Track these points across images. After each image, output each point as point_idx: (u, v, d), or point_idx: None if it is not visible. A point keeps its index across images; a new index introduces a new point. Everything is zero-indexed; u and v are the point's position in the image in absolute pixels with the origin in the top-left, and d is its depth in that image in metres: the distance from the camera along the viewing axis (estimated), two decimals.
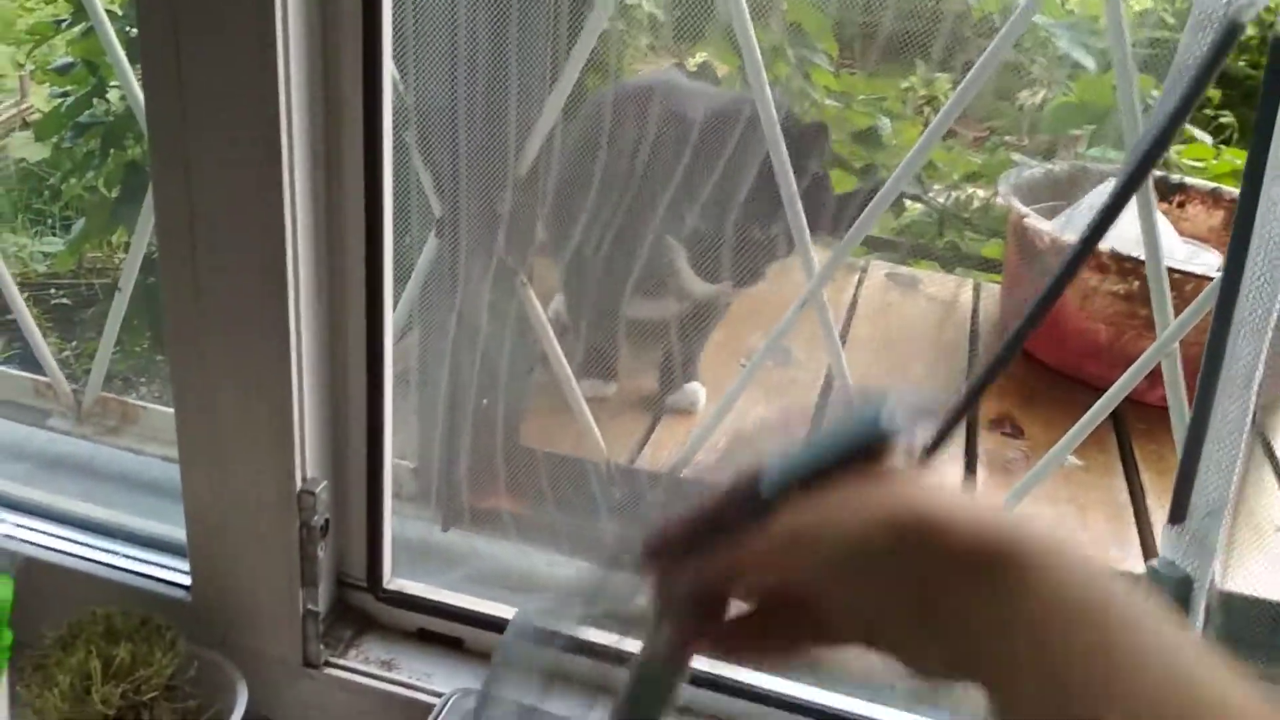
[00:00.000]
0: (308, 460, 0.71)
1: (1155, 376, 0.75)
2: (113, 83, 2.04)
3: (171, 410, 1.01)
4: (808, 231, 0.82)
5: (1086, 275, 1.34)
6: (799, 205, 0.81)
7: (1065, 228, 1.36)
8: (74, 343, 2.09)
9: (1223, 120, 1.95)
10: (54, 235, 2.49)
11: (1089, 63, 1.61)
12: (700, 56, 1.71)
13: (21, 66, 2.77)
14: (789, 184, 0.81)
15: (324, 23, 0.64)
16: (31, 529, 0.83)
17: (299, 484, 0.70)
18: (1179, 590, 0.47)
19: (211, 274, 0.67)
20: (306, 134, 0.65)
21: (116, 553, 0.82)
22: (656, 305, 1.28)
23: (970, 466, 1.22)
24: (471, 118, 0.83)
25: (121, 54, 0.92)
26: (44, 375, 1.04)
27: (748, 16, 0.75)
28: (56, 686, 0.67)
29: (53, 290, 2.32)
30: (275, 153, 0.63)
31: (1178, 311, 0.74)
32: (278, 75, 0.61)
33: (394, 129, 0.69)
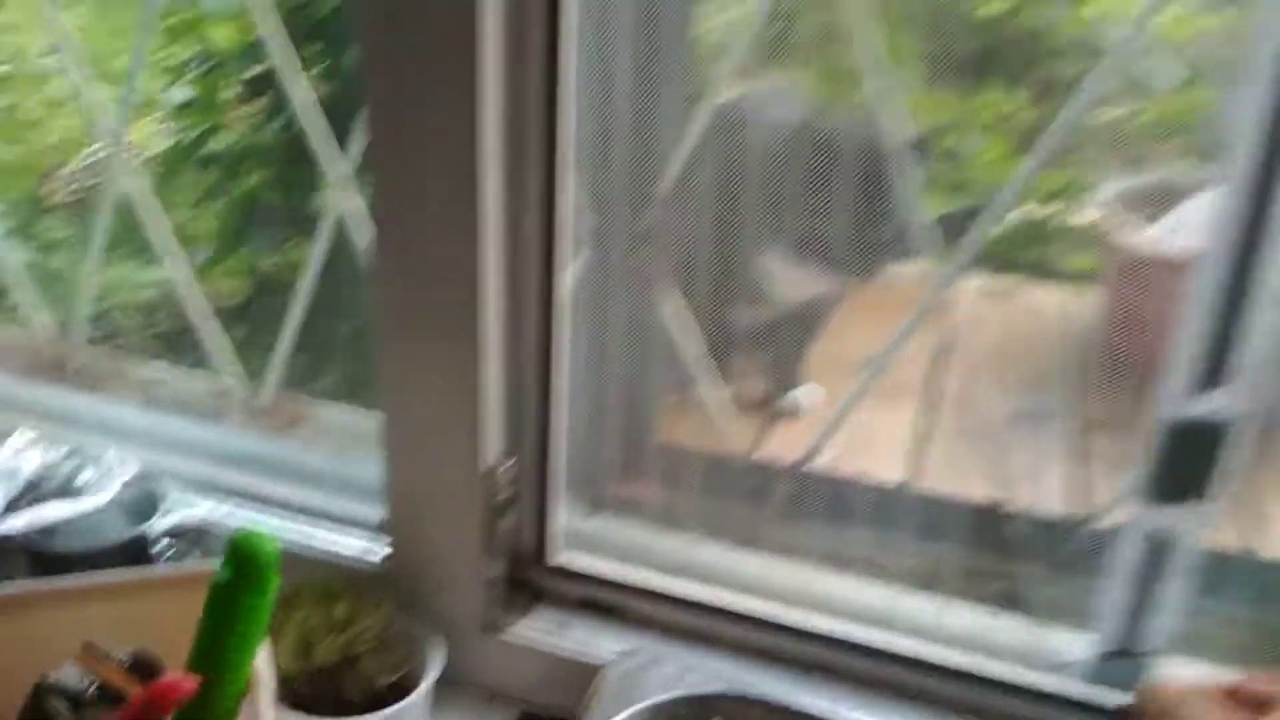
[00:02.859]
0: (492, 446, 0.81)
1: None
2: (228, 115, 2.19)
3: (338, 406, 1.13)
4: (926, 241, 0.90)
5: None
6: (919, 215, 0.89)
7: (1160, 239, 1.41)
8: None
9: None
10: (156, 266, 2.65)
11: (1167, 81, 1.66)
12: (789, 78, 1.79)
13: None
14: (912, 198, 0.89)
15: (514, 60, 0.74)
16: (240, 513, 0.94)
17: (486, 465, 0.80)
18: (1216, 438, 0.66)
19: (418, 291, 0.77)
20: (498, 167, 0.75)
21: (315, 534, 0.92)
22: (756, 310, 1.37)
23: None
24: (621, 142, 0.92)
25: (305, 85, 1.03)
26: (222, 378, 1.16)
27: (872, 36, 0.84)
28: (285, 639, 0.77)
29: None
30: (471, 186, 0.73)
31: None
32: (476, 115, 0.72)
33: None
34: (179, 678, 0.56)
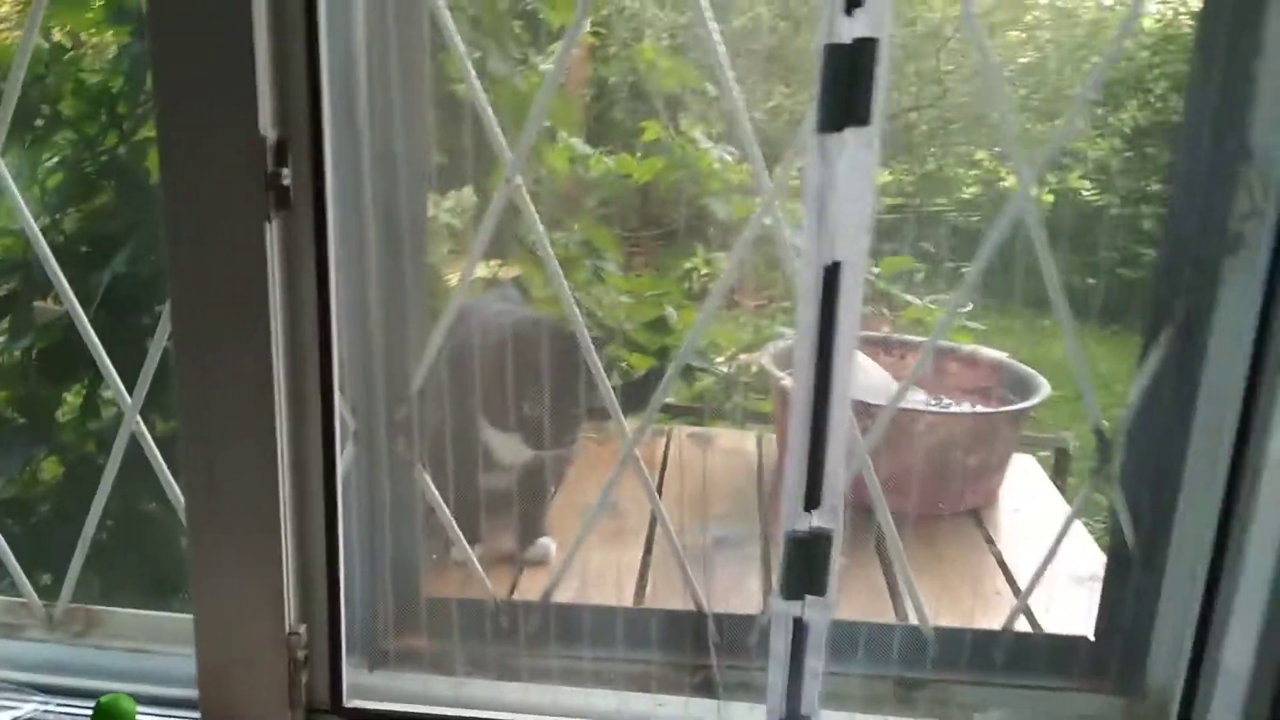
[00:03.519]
0: (291, 614, 1.00)
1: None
2: None
3: (130, 610, 1.27)
4: (619, 409, 1.19)
5: None
6: (612, 392, 1.17)
7: None
8: None
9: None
10: None
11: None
12: (509, 270, 2.11)
13: None
14: (601, 376, 1.18)
15: (292, 324, 0.98)
16: (59, 711, 1.07)
17: (288, 630, 0.99)
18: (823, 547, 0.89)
19: (224, 496, 0.97)
20: (284, 388, 0.97)
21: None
22: (494, 478, 1.63)
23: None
24: (378, 357, 1.17)
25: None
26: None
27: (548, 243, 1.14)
28: None
29: None
30: (269, 407, 0.95)
31: None
32: (270, 350, 0.94)
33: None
34: None
